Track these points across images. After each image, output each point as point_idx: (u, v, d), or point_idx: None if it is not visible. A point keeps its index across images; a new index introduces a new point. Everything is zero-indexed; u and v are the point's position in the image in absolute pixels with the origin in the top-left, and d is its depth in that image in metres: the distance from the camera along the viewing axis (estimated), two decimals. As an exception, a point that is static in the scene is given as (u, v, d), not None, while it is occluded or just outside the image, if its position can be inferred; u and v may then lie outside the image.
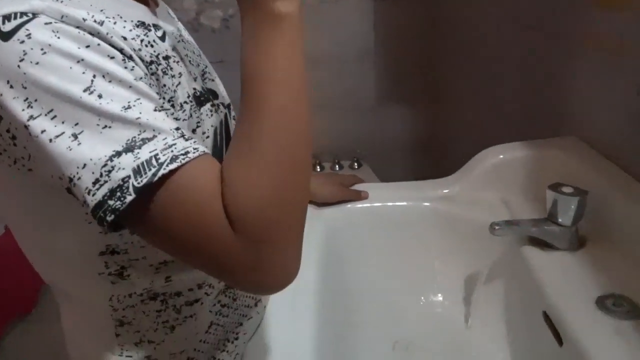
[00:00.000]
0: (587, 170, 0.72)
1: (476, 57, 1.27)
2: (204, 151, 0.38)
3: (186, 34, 0.55)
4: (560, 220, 0.65)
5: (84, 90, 0.34)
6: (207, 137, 0.49)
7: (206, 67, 0.55)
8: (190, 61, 0.50)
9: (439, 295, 0.80)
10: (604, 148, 0.75)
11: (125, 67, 0.37)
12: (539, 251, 0.67)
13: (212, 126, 0.49)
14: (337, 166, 1.63)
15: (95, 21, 0.37)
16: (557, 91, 0.88)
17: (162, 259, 0.46)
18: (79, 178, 0.34)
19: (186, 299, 0.49)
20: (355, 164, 1.61)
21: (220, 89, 0.56)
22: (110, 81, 0.35)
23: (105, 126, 0.35)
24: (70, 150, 0.34)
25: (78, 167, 0.34)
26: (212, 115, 0.50)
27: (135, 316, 0.48)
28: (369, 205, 0.81)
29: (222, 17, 1.57)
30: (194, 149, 0.37)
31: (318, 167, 1.63)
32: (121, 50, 0.38)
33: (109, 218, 0.34)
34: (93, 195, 0.34)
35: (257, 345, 0.54)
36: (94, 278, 0.45)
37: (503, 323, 0.71)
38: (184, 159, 0.36)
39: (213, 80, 0.55)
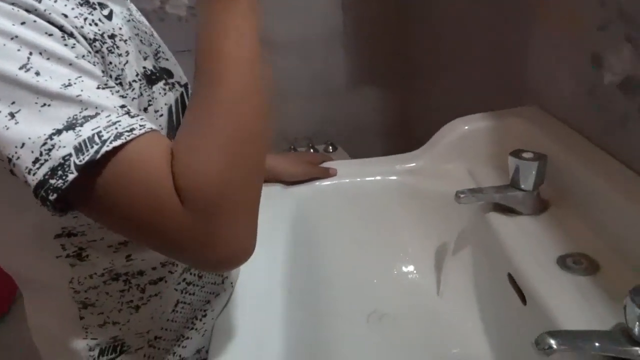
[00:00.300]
0: (548, 136, 0.73)
1: (443, 35, 1.28)
2: (152, 128, 0.37)
3: (137, 14, 0.54)
4: (522, 185, 0.67)
5: (20, 68, 0.34)
6: (161, 115, 0.48)
7: (159, 46, 0.54)
8: (141, 40, 0.50)
9: (410, 266, 0.81)
10: (564, 116, 0.76)
11: (65, 45, 0.36)
12: (503, 217, 0.68)
13: (165, 104, 0.49)
14: (311, 150, 1.63)
15: None
16: (519, 64, 0.89)
17: (121, 239, 0.45)
18: (18, 158, 0.34)
19: (150, 278, 0.49)
20: (330, 147, 1.61)
21: (177, 68, 0.56)
22: (48, 58, 0.35)
23: (45, 104, 0.34)
24: (8, 129, 0.33)
25: (16, 147, 0.33)
26: (165, 93, 0.50)
27: (98, 297, 0.47)
28: (337, 181, 0.81)
29: (188, 5, 1.54)
30: (140, 125, 0.36)
31: (293, 152, 1.63)
32: (61, 28, 0.37)
33: (52, 197, 0.33)
34: (34, 174, 0.33)
35: (226, 321, 0.54)
36: (52, 261, 0.45)
37: (472, 288, 0.73)
38: (128, 135, 0.35)
39: (167, 59, 0.54)
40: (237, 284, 0.58)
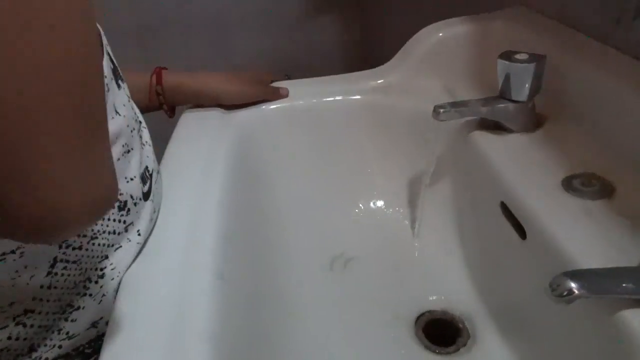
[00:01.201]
0: (541, 37, 0.60)
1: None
2: None
3: None
4: (514, 95, 0.54)
5: None
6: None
7: None
8: None
9: (379, 201, 0.68)
10: (557, 14, 0.63)
11: None
12: (491, 135, 0.56)
13: None
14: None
15: None
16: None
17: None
18: None
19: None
20: (286, 78, 1.45)
21: None
22: None
23: None
24: None
25: None
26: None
27: None
28: (289, 104, 0.67)
29: None
30: None
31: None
32: None
33: None
34: None
35: (133, 282, 0.40)
36: None
37: (454, 225, 0.61)
38: None
39: None
40: (153, 233, 0.44)
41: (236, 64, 1.49)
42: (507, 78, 0.54)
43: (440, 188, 0.63)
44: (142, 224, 0.41)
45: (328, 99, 0.67)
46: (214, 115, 0.63)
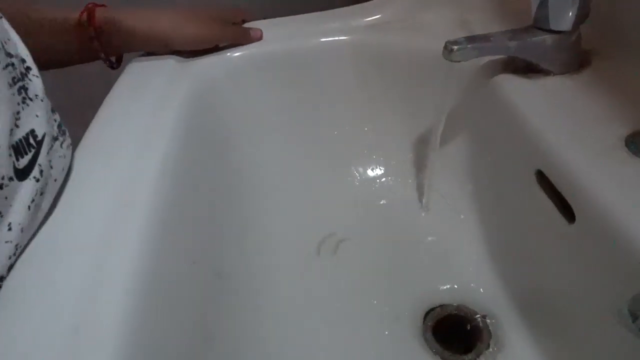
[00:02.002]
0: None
1: None
2: None
3: None
4: (553, 24, 0.40)
5: None
6: None
7: None
8: None
9: (378, 167, 0.56)
10: None
11: None
12: (522, 80, 0.42)
13: None
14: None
15: None
16: None
17: None
18: None
19: None
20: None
21: None
22: None
23: None
24: None
25: None
26: None
27: None
28: (262, 49, 0.53)
29: None
30: None
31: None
32: None
33: None
34: None
35: (7, 300, 0.28)
36: None
37: (472, 198, 0.49)
38: None
39: None
40: (42, 229, 0.31)
41: None
42: (544, 1, 0.40)
43: (453, 151, 0.50)
44: (15, 215, 0.29)
45: (311, 42, 0.53)
46: (165, 66, 0.50)
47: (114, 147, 0.38)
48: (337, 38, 0.53)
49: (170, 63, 0.50)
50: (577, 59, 0.42)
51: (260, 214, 0.50)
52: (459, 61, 0.41)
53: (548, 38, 0.40)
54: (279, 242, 0.49)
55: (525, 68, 0.43)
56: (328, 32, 0.54)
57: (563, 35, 0.40)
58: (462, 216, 0.49)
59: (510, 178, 0.42)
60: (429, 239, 0.49)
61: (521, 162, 0.39)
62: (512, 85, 0.42)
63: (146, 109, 0.43)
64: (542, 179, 0.37)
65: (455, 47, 0.40)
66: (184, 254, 0.35)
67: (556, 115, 0.37)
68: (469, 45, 0.40)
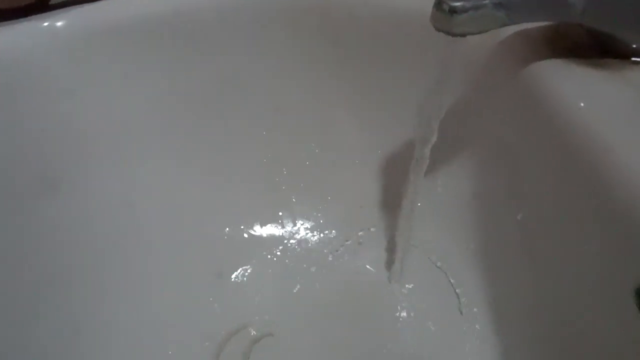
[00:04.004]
0: None
1: None
2: None
3: None
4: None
5: None
6: None
7: None
8: None
9: (320, 213, 0.35)
10: None
11: None
12: (590, 71, 0.21)
13: None
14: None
15: None
16: None
17: None
18: None
19: None
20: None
21: None
22: None
23: None
24: None
25: None
26: None
27: None
28: (123, 11, 0.31)
29: None
30: None
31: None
32: None
33: None
34: None
35: None
36: None
37: (485, 277, 0.28)
38: None
39: None
40: None
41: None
42: None
43: (451, 187, 0.29)
44: None
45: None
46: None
47: None
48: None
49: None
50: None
51: (122, 297, 0.29)
52: (465, 34, 0.20)
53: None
54: (142, 345, 0.28)
55: (595, 47, 0.22)
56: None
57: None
58: (464, 301, 0.28)
59: (566, 272, 0.21)
60: (404, 335, 0.29)
61: (598, 257, 0.19)
62: (572, 81, 0.21)
63: None
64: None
65: (459, 5, 0.19)
66: None
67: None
68: (481, 7, 0.19)
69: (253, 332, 0.31)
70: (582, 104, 0.20)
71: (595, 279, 0.20)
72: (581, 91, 0.20)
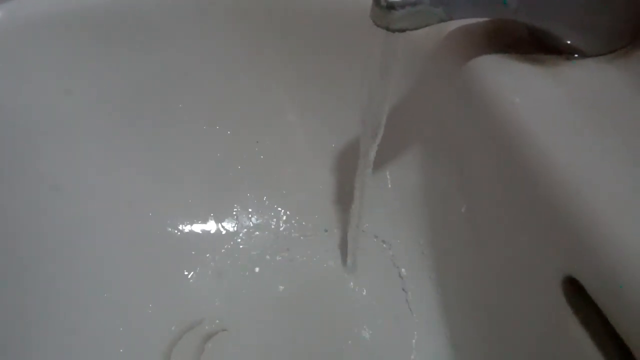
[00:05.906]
0: None
1: None
2: None
3: None
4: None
5: None
6: None
7: None
8: None
9: (273, 206, 0.35)
10: None
11: None
12: (527, 67, 0.22)
13: None
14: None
15: None
16: None
17: None
18: None
19: None
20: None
21: None
22: None
23: None
24: None
25: None
26: None
27: None
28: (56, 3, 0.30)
29: None
30: None
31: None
32: None
33: None
34: None
35: None
36: None
37: (437, 271, 0.29)
38: None
39: None
40: None
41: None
42: None
43: (399, 183, 0.30)
44: None
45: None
46: None
47: None
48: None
49: None
50: (629, 27, 0.22)
51: (70, 293, 0.29)
52: (404, 30, 0.20)
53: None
54: (95, 346, 0.28)
55: (533, 43, 0.22)
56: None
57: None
58: (408, 294, 0.29)
59: (504, 262, 0.22)
60: (355, 334, 0.29)
61: (530, 248, 0.19)
62: (509, 76, 0.21)
63: None
64: (575, 292, 0.17)
65: (397, 2, 0.19)
66: None
67: (596, 134, 0.18)
68: (421, 3, 0.19)
69: (206, 327, 0.30)
70: (517, 100, 0.21)
71: (530, 271, 0.20)
72: (516, 87, 0.21)
